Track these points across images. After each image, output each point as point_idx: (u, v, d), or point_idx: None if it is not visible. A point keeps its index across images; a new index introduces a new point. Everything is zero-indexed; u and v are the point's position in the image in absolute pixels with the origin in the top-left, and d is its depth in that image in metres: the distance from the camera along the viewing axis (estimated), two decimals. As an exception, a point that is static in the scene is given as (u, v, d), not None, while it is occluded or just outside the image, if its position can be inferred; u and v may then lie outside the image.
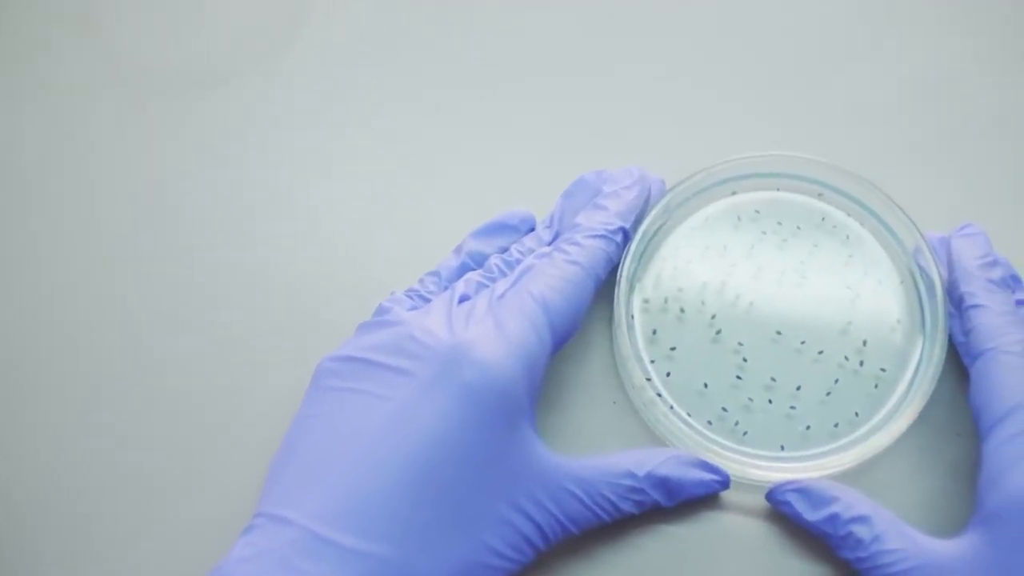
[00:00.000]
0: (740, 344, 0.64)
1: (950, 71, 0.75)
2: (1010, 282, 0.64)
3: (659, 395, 0.63)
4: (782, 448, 0.62)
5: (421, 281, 0.64)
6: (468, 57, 0.75)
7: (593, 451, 0.60)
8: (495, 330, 0.57)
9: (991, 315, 0.60)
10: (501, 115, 0.73)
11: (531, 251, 0.64)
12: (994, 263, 0.63)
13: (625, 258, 0.64)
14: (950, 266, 0.63)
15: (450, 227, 0.67)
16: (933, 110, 0.74)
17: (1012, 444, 0.57)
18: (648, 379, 0.63)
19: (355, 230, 0.69)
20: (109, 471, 0.64)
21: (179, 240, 0.69)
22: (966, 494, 0.60)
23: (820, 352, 0.64)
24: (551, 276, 0.60)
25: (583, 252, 0.61)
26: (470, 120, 0.73)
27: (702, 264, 0.66)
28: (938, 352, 0.62)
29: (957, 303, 0.62)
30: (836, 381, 0.64)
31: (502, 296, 0.60)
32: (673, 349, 0.64)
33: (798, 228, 0.68)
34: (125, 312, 0.67)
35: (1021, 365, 0.59)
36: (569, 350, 0.64)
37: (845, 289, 0.66)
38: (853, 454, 0.61)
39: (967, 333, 0.61)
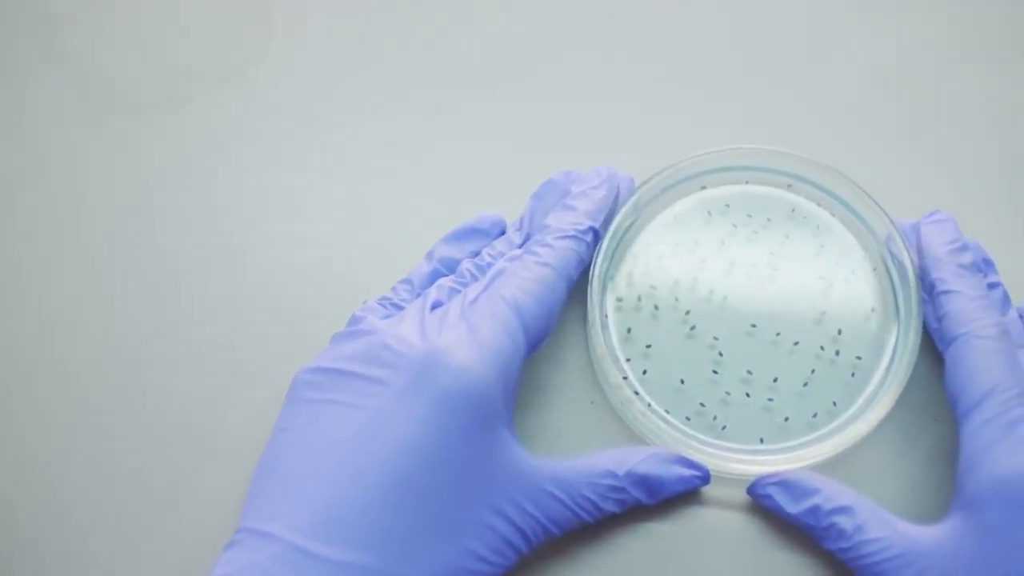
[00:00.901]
0: (715, 339, 0.64)
1: (915, 59, 0.75)
2: (981, 266, 0.64)
3: (636, 393, 0.63)
4: (761, 441, 0.62)
5: (394, 289, 0.64)
6: (434, 63, 0.75)
7: (572, 452, 0.60)
8: (468, 335, 0.57)
9: (963, 300, 0.61)
10: (468, 119, 0.73)
11: (502, 254, 0.63)
12: (963, 248, 0.63)
13: (596, 257, 0.64)
14: (920, 253, 0.64)
15: (421, 233, 0.67)
16: (899, 98, 0.74)
17: (989, 428, 0.57)
18: (624, 377, 0.63)
19: (327, 240, 0.69)
20: (89, 487, 0.63)
21: (153, 257, 0.69)
22: (946, 479, 0.61)
23: (796, 343, 0.64)
24: (522, 279, 0.60)
25: (554, 253, 0.61)
26: (437, 125, 0.73)
27: (674, 260, 0.66)
28: (913, 338, 0.62)
29: (929, 290, 0.63)
30: (813, 371, 0.64)
31: (474, 301, 0.59)
32: (648, 347, 0.64)
33: (768, 220, 0.68)
34: (101, 328, 0.67)
35: (994, 349, 0.59)
36: (544, 351, 0.64)
37: (818, 279, 0.66)
38: (832, 444, 0.61)
39: (940, 319, 0.61)
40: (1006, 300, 0.64)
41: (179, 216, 0.70)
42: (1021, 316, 0.64)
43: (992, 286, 0.64)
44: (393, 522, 0.54)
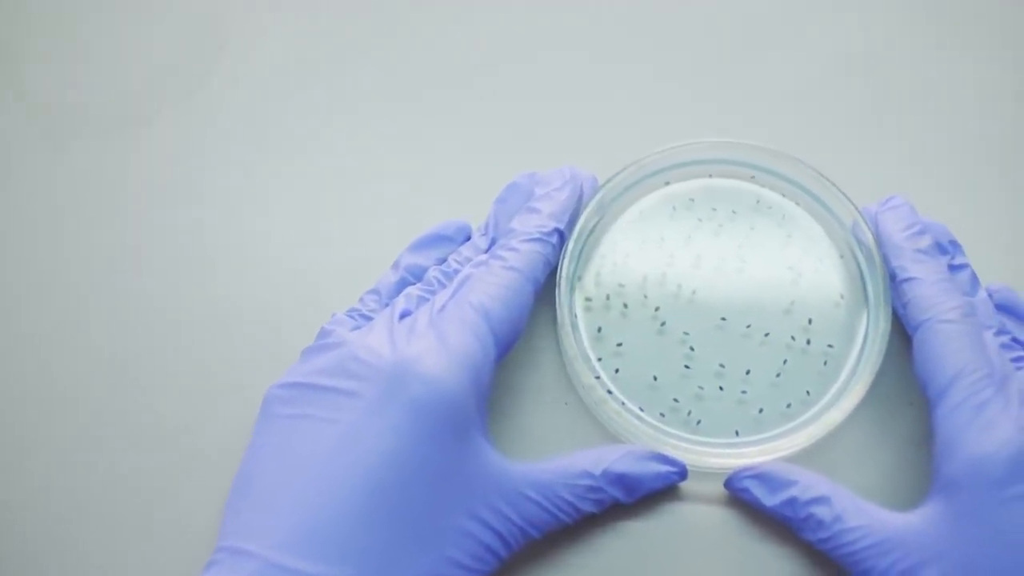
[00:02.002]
0: (686, 334, 0.64)
1: (875, 46, 0.75)
2: (948, 247, 0.64)
3: (609, 392, 0.63)
4: (736, 434, 0.62)
5: (362, 300, 0.64)
6: (386, 72, 0.75)
7: (548, 454, 0.60)
8: (438, 343, 0.57)
9: (924, 286, 0.61)
10: (429, 125, 0.73)
11: (469, 260, 0.63)
12: (922, 232, 0.63)
13: (563, 259, 0.64)
14: (879, 242, 0.64)
15: (387, 243, 0.67)
16: (860, 85, 0.74)
17: (960, 412, 0.57)
18: (597, 377, 0.63)
19: (292, 255, 0.69)
20: (64, 511, 0.63)
21: (123, 278, 0.68)
22: (923, 462, 0.61)
23: (766, 334, 0.64)
24: (489, 284, 0.60)
25: (519, 257, 0.61)
26: (396, 134, 0.73)
27: (641, 258, 0.66)
28: (883, 324, 0.63)
29: (892, 277, 0.63)
30: (785, 362, 0.64)
31: (442, 308, 0.59)
32: (619, 345, 0.64)
33: (734, 213, 0.68)
34: (73, 349, 0.67)
35: (958, 332, 0.59)
36: (516, 355, 0.64)
37: (786, 269, 0.66)
38: (807, 433, 0.61)
39: (904, 307, 0.62)
40: (974, 280, 0.64)
41: (148, 235, 0.70)
42: (991, 295, 0.64)
43: (958, 267, 0.64)
44: (370, 534, 0.54)
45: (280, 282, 0.68)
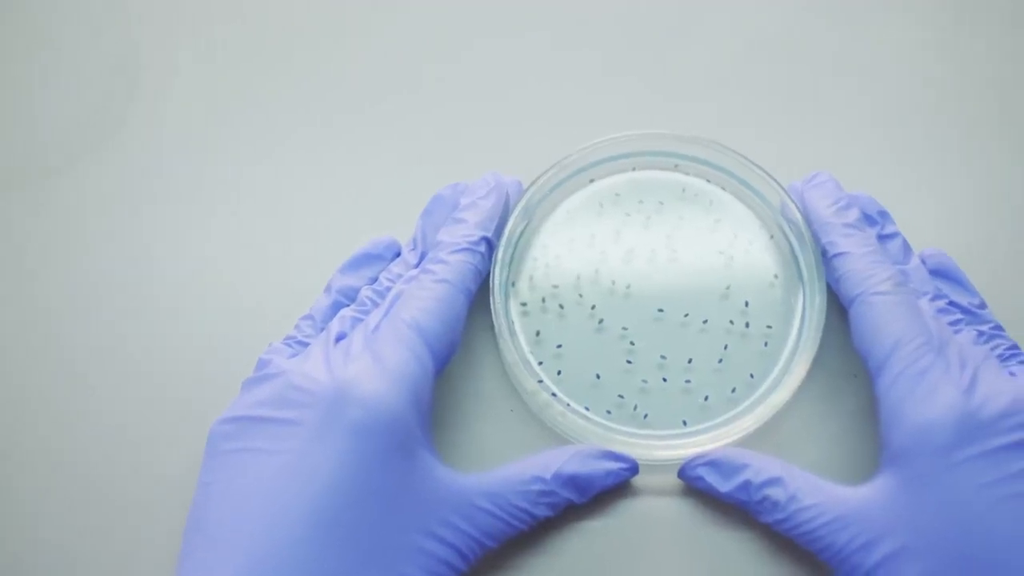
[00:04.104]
0: (624, 329, 0.64)
1: (786, 24, 0.76)
2: (876, 218, 0.65)
3: (553, 395, 0.63)
4: (684, 423, 0.62)
5: (297, 327, 0.63)
6: (298, 100, 0.75)
7: (498, 462, 0.60)
8: (374, 364, 0.57)
9: (854, 260, 0.61)
10: (345, 147, 0.73)
11: (400, 276, 0.63)
12: (848, 206, 0.64)
13: (494, 266, 0.63)
14: (807, 220, 0.64)
15: (319, 267, 0.66)
16: (775, 64, 0.75)
17: (902, 381, 0.57)
18: (540, 381, 0.63)
19: (223, 290, 0.68)
20: (15, 564, 0.62)
21: (46, 330, 0.68)
22: (872, 433, 0.61)
23: (705, 321, 0.64)
24: (421, 299, 0.60)
25: (449, 269, 0.61)
26: (315, 159, 0.72)
27: (572, 257, 0.66)
28: (819, 300, 0.63)
29: (822, 254, 0.63)
30: (726, 347, 0.64)
31: (376, 328, 0.59)
32: (559, 347, 0.64)
33: (661, 204, 0.68)
34: (4, 403, 0.66)
35: (893, 302, 0.59)
36: (456, 366, 0.64)
37: (718, 254, 0.66)
38: (755, 416, 0.61)
39: (837, 281, 0.62)
40: (906, 248, 0.64)
41: (70, 284, 0.69)
42: (924, 261, 0.64)
43: (888, 236, 0.64)
44: (322, 561, 0.53)
45: (214, 317, 0.67)
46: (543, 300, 0.65)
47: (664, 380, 0.63)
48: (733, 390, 0.63)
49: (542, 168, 0.67)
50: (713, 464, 0.60)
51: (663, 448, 0.61)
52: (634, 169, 0.69)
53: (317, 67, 0.76)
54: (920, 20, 0.76)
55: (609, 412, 0.63)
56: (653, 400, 0.63)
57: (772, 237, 0.67)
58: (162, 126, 0.74)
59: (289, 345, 0.62)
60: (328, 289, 0.65)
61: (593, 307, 0.65)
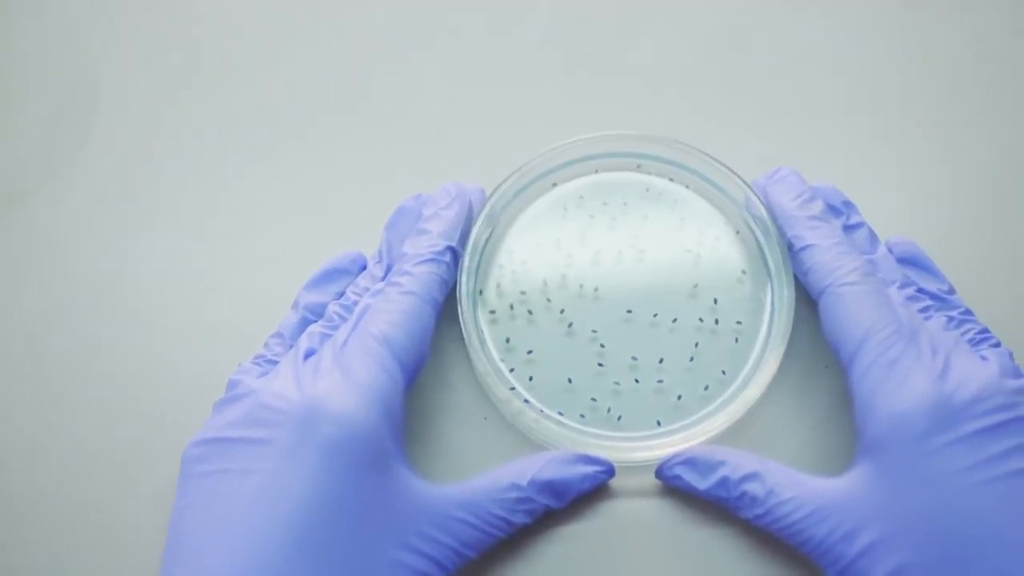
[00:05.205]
0: (594, 332, 0.64)
1: (740, 18, 0.76)
2: (841, 208, 0.65)
3: (526, 402, 0.63)
4: (658, 424, 0.62)
5: (266, 345, 0.63)
6: (255, 118, 0.74)
7: (475, 471, 0.59)
8: (343, 379, 0.57)
9: (820, 252, 0.61)
10: (307, 162, 0.72)
11: (367, 290, 0.63)
12: (812, 199, 0.64)
13: (461, 275, 0.63)
14: (772, 215, 0.64)
15: (286, 284, 0.66)
16: (732, 59, 0.75)
17: (874, 371, 0.57)
18: (512, 388, 0.63)
19: (192, 312, 0.68)
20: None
21: (12, 360, 0.67)
22: (848, 423, 0.61)
23: (674, 320, 0.64)
24: (388, 312, 0.59)
25: (415, 281, 0.61)
26: (278, 176, 0.72)
27: (539, 262, 0.66)
28: (788, 293, 0.63)
29: (789, 248, 0.63)
30: (696, 345, 0.64)
31: (345, 343, 0.59)
32: (530, 353, 0.64)
33: (625, 204, 0.68)
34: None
35: (861, 292, 0.60)
36: (427, 377, 0.64)
37: (684, 253, 0.66)
38: (728, 413, 0.61)
39: (804, 275, 0.62)
40: (872, 237, 0.64)
41: (36, 311, 0.68)
42: (891, 249, 0.64)
43: (853, 227, 0.64)
44: (301, 580, 0.53)
45: (184, 340, 0.67)
46: (511, 307, 0.65)
47: (636, 381, 0.63)
48: (706, 388, 0.63)
49: (504, 174, 0.66)
50: (690, 462, 0.60)
51: (638, 449, 0.61)
52: (597, 171, 0.68)
53: (273, 86, 0.75)
54: (875, 7, 0.76)
55: (583, 416, 0.63)
56: (626, 402, 0.63)
57: (738, 233, 0.67)
58: (122, 150, 0.73)
59: (258, 364, 0.62)
60: (295, 306, 0.64)
61: (562, 311, 0.65)
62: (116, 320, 0.68)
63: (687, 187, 0.68)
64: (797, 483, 0.57)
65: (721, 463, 0.59)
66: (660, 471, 0.61)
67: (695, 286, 0.65)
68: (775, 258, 0.64)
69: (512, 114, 0.73)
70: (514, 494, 0.58)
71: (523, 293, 0.65)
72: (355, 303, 0.62)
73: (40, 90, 0.76)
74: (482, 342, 0.64)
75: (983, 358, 0.59)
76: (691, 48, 0.75)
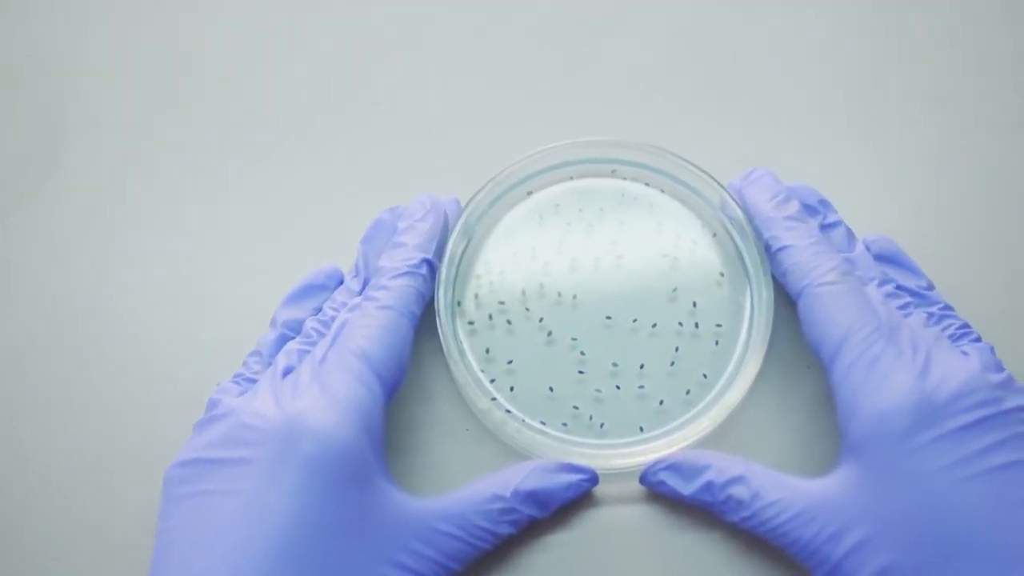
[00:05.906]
0: (574, 339, 0.64)
1: (707, 18, 0.76)
2: (818, 207, 0.65)
3: (508, 412, 0.62)
4: (641, 430, 0.62)
5: (245, 363, 0.63)
6: (229, 135, 0.74)
7: (459, 483, 0.59)
8: (322, 396, 0.56)
9: (798, 252, 0.61)
10: (283, 177, 0.72)
11: (344, 305, 0.63)
12: (787, 199, 0.64)
13: (438, 287, 0.63)
14: (748, 216, 0.64)
15: (263, 301, 0.66)
16: (702, 60, 0.75)
17: (855, 370, 0.57)
18: (493, 399, 0.63)
19: (169, 330, 0.67)
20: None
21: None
22: (831, 423, 0.61)
23: (654, 325, 0.64)
24: (366, 327, 0.59)
25: (391, 294, 0.60)
26: (253, 192, 0.72)
27: (516, 272, 0.66)
28: (767, 295, 0.63)
29: (766, 249, 0.63)
30: (677, 349, 0.64)
31: (323, 359, 0.59)
32: (510, 363, 0.64)
33: (601, 210, 0.67)
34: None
35: (839, 292, 0.60)
36: (409, 390, 0.63)
37: (662, 257, 0.66)
38: (711, 416, 0.61)
39: (782, 276, 0.62)
40: (849, 236, 0.64)
41: (10, 334, 0.68)
42: (869, 247, 0.64)
43: (830, 225, 0.64)
44: (285, 599, 0.53)
45: (162, 359, 0.67)
46: (490, 317, 0.65)
47: (618, 388, 0.63)
48: (688, 392, 0.63)
49: (480, 180, 0.66)
50: (674, 467, 0.60)
51: (622, 456, 0.61)
52: (571, 178, 0.68)
53: (245, 102, 0.75)
54: (849, 4, 0.76)
55: (565, 424, 0.62)
56: (608, 409, 0.63)
57: (715, 235, 0.66)
58: (96, 168, 0.73)
59: (238, 383, 0.61)
60: (273, 323, 0.64)
61: (541, 320, 0.65)
62: (88, 341, 0.68)
63: (663, 191, 0.68)
64: (782, 485, 0.57)
65: (705, 467, 0.59)
66: (644, 477, 0.60)
67: (674, 290, 0.65)
68: (753, 260, 0.64)
69: (485, 124, 0.73)
70: (498, 505, 0.58)
71: (502, 303, 0.65)
72: (333, 318, 0.62)
73: (4, 118, 0.76)
74: (461, 353, 0.64)
75: (964, 353, 0.59)
76: (666, 49, 0.75)
